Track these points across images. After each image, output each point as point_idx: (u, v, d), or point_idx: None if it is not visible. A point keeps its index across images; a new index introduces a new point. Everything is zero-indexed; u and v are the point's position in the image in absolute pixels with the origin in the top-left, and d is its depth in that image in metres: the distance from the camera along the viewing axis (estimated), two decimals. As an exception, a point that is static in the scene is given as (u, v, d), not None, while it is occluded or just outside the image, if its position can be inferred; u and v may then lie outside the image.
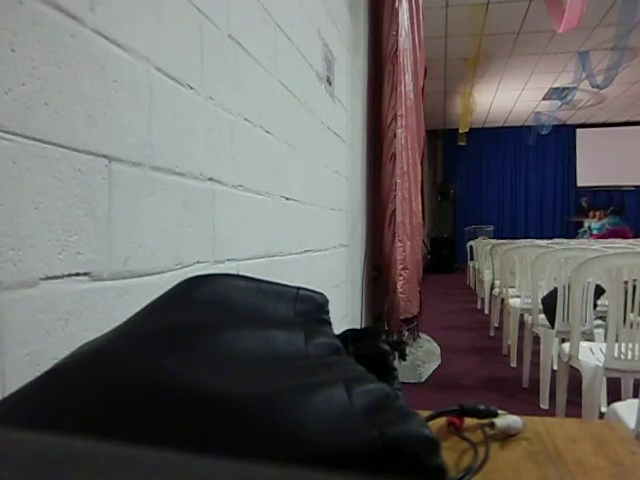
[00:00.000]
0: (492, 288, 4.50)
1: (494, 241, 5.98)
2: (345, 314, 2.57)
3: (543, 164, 11.84)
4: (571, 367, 2.12)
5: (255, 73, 1.41)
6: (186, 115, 1.05)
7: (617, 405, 1.36)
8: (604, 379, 2.07)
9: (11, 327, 0.64)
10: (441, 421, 0.58)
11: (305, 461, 0.28)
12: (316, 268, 2.03)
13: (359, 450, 0.29)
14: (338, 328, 0.45)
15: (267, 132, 1.49)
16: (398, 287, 2.99)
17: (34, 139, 0.67)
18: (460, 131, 9.88)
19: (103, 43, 0.80)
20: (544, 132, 9.91)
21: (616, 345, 1.88)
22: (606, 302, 2.08)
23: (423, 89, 3.77)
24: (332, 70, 2.27)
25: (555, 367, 2.56)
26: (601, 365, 1.89)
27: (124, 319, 0.40)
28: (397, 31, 3.02)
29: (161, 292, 0.43)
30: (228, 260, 1.24)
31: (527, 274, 3.14)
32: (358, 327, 0.56)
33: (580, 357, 2.00)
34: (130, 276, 0.87)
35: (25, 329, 0.66)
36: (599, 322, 2.45)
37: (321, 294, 0.46)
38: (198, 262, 1.10)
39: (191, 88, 1.07)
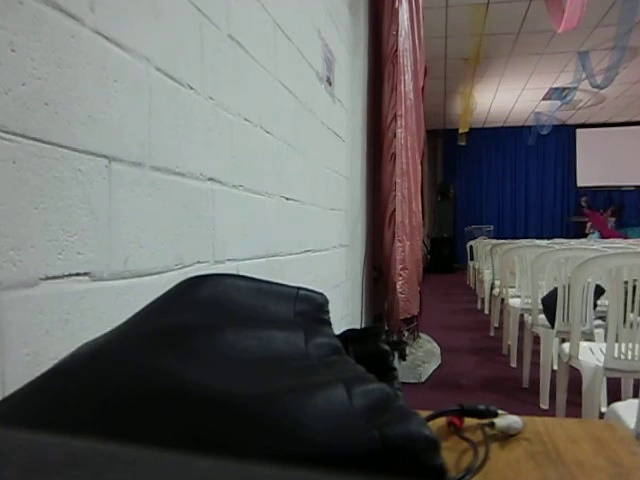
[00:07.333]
0: (492, 288, 4.50)
1: (494, 241, 5.97)
2: (345, 314, 2.56)
3: (543, 164, 11.83)
4: (571, 367, 2.12)
5: (255, 73, 1.41)
6: (186, 115, 1.05)
7: (617, 405, 1.36)
8: (604, 379, 2.07)
9: (11, 327, 0.64)
10: (441, 421, 0.58)
11: (305, 461, 0.28)
12: (316, 268, 2.03)
13: (359, 450, 0.29)
14: (338, 328, 0.45)
15: (267, 132, 1.49)
16: (398, 287, 2.99)
17: (34, 139, 0.67)
18: (460, 131, 9.88)
19: (103, 43, 0.80)
20: (544, 132, 9.90)
21: (616, 345, 1.88)
22: (606, 302, 2.08)
23: (423, 89, 3.77)
24: (332, 70, 2.27)
25: (555, 367, 2.56)
26: (601, 365, 1.89)
27: (124, 319, 0.40)
28: (397, 31, 3.02)
29: (161, 292, 0.43)
30: (228, 260, 1.24)
31: (527, 274, 3.14)
32: (358, 327, 0.55)
33: (580, 357, 2.00)
34: (130, 276, 0.87)
35: (25, 329, 0.66)
36: (599, 322, 2.45)
37: (321, 294, 0.46)
38: (198, 262, 1.10)
39: (191, 88, 1.07)
